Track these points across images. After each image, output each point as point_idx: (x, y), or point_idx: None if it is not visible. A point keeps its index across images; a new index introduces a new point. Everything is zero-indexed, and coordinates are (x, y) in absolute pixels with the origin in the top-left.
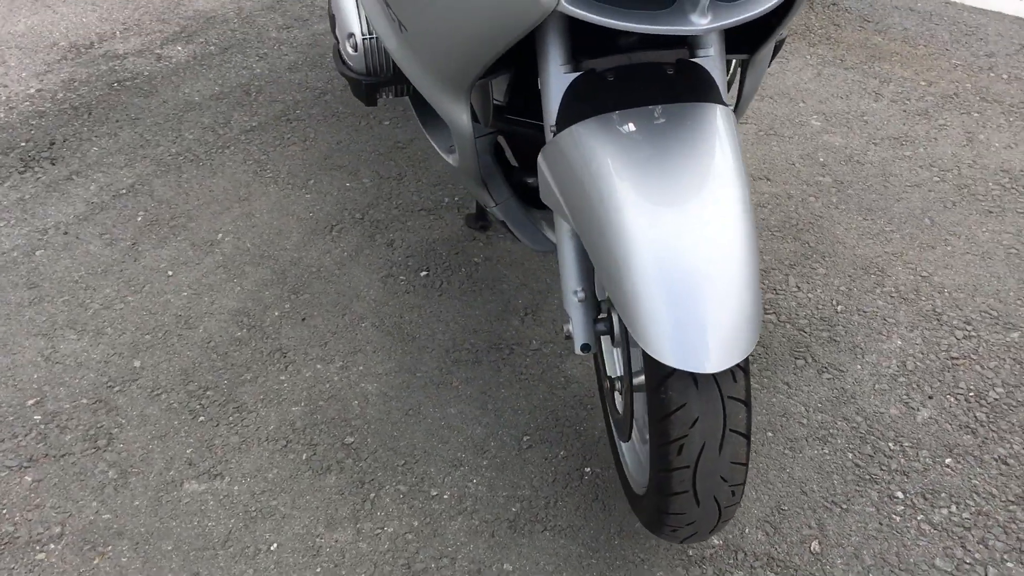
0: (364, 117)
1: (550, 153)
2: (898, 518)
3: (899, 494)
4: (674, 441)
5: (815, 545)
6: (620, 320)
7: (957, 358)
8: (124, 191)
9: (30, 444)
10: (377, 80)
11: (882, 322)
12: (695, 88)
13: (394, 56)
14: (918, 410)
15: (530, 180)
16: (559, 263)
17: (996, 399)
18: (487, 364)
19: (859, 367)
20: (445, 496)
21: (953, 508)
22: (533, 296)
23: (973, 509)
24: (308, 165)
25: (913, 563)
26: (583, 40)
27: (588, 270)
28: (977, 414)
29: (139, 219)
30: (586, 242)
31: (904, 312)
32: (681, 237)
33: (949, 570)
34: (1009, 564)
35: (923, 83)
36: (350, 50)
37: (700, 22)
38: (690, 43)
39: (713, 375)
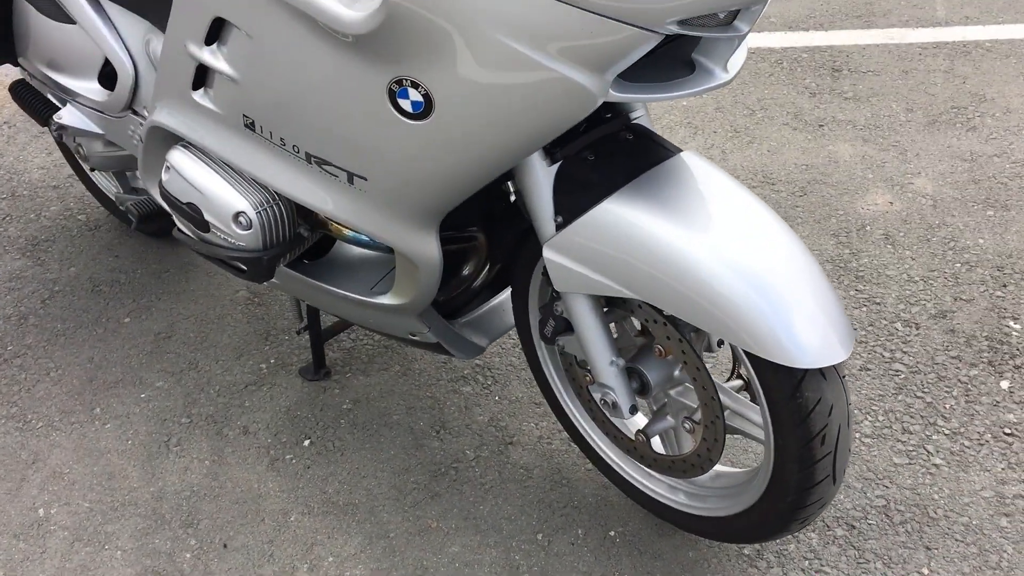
0: (95, 324)
1: (569, 241)
2: None
3: None
4: (817, 435)
5: None
6: (695, 359)
7: None
8: None
9: None
10: (278, 250)
11: None
12: (658, 146)
13: (332, 212)
14: None
15: (439, 296)
16: (584, 342)
17: None
18: (446, 493)
19: None
20: None
21: (867, 421)
22: (429, 413)
23: (881, 413)
24: (78, 396)
25: (883, 469)
26: None
27: (612, 339)
28: None
29: None
30: (660, 299)
31: None
32: (753, 255)
33: (906, 462)
34: (935, 436)
35: None
36: (238, 230)
37: (724, 77)
38: (625, 108)
39: None
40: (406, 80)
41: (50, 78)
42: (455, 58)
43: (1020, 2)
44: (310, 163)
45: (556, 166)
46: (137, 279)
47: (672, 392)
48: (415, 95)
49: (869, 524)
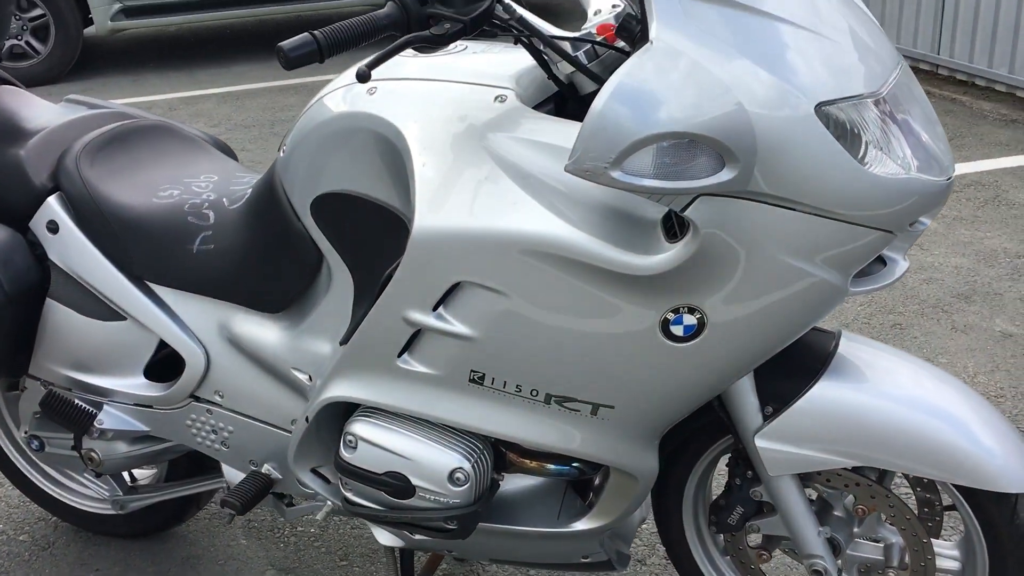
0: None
1: (786, 427)
2: None
3: None
4: None
5: None
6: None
7: None
8: None
9: None
10: (485, 498)
11: None
12: (819, 331)
13: (566, 447)
14: None
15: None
16: (793, 519)
17: None
18: None
19: None
20: None
21: None
22: None
23: None
24: None
25: None
26: None
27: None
28: None
29: None
30: (886, 460)
31: None
32: (954, 406)
33: None
34: None
35: None
36: (453, 487)
37: (905, 265)
38: None
39: None
40: (683, 308)
41: (80, 381)
42: (739, 279)
43: None
44: (549, 403)
45: None
46: None
47: (847, 549)
48: (689, 320)
49: None
